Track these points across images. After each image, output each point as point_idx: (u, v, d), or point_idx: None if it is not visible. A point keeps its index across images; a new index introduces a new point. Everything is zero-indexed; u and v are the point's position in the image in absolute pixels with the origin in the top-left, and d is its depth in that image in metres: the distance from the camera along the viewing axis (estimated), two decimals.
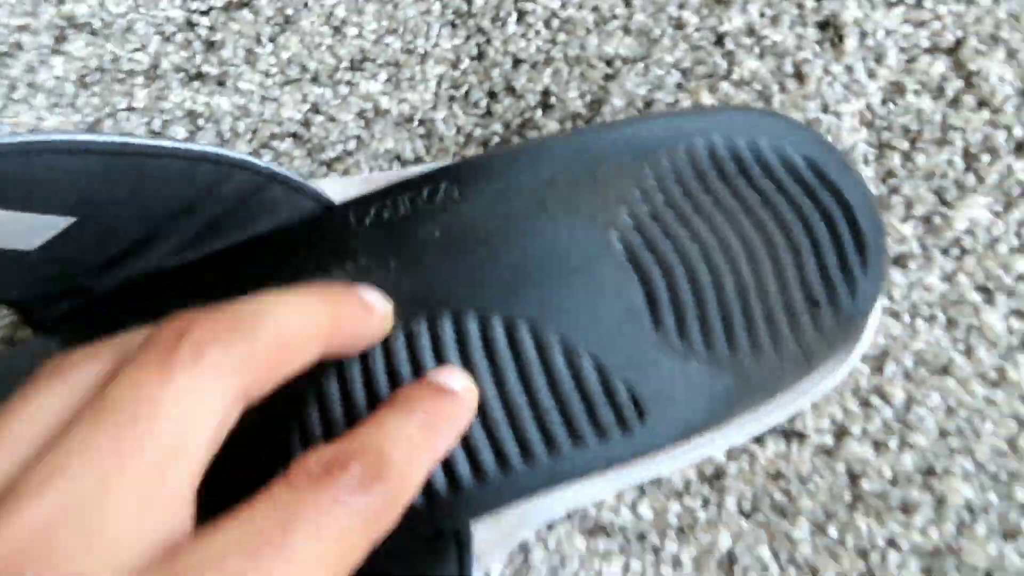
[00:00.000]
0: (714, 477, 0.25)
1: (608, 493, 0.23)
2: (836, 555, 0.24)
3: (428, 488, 0.20)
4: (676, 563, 0.24)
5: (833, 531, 0.24)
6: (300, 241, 0.23)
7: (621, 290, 0.22)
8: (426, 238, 0.22)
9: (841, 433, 0.25)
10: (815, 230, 0.22)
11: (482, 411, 0.21)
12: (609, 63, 0.27)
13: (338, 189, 0.24)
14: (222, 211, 0.22)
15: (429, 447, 0.18)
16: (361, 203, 0.23)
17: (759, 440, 0.25)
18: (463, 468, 0.21)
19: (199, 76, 0.27)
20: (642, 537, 0.25)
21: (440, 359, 0.21)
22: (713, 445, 0.22)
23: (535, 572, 0.25)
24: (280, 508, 0.14)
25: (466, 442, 0.21)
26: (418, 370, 0.21)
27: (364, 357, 0.21)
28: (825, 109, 0.26)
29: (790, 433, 0.25)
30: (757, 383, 0.21)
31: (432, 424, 0.19)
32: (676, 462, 0.22)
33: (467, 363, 0.21)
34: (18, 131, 0.26)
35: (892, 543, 0.24)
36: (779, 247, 0.22)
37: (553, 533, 0.25)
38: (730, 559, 0.24)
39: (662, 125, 0.23)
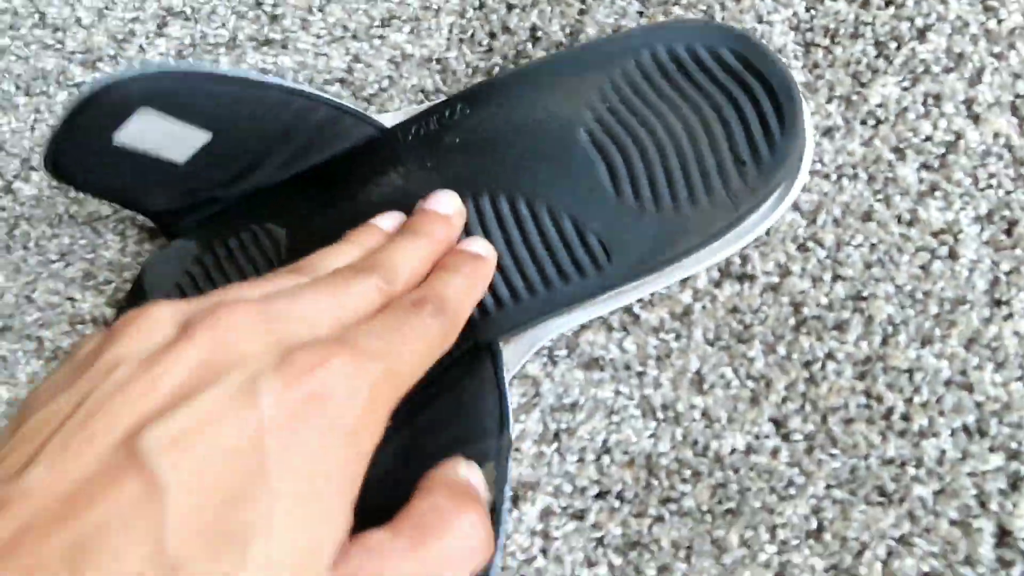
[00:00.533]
0: (682, 315, 0.30)
1: (592, 316, 0.30)
2: (785, 368, 0.30)
3: None
4: (656, 384, 0.30)
5: (781, 349, 0.30)
6: (365, 154, 0.31)
7: (588, 169, 0.29)
8: (450, 144, 0.30)
9: (784, 273, 0.30)
10: (741, 106, 0.28)
11: (498, 261, 0.28)
12: (582, 1, 0.33)
13: (390, 119, 0.32)
14: (308, 137, 0.30)
15: (470, 294, 0.26)
16: (404, 125, 0.31)
17: (717, 283, 0.30)
18: (488, 300, 0.28)
19: (267, 42, 0.35)
20: (628, 367, 0.30)
21: (466, 229, 0.29)
22: (669, 277, 0.29)
23: (544, 399, 0.31)
24: (399, 315, 0.23)
25: (489, 283, 0.28)
26: None
27: None
28: (759, 20, 0.32)
29: (742, 276, 0.30)
30: (695, 226, 0.28)
31: (471, 279, 0.27)
32: (640, 291, 0.29)
33: (484, 228, 0.28)
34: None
35: (830, 355, 0.29)
36: (711, 121, 0.28)
37: (557, 368, 0.31)
38: (700, 378, 0.30)
39: (615, 43, 0.30)
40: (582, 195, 0.28)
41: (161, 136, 0.29)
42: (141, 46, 0.36)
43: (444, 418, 0.27)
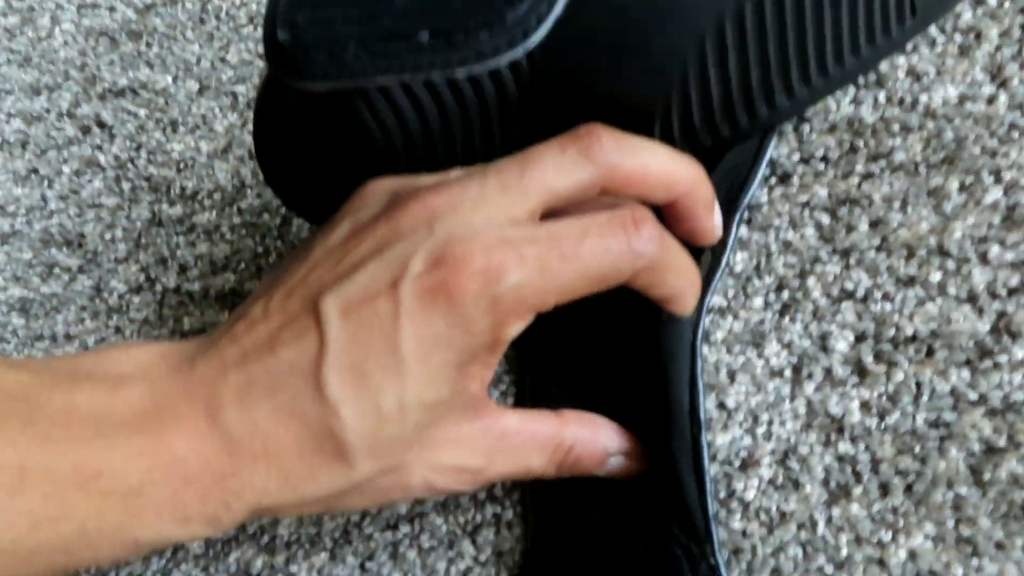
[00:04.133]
0: None
1: None
2: (997, 17, 0.28)
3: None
4: None
5: (991, 0, 0.29)
6: None
7: None
8: None
9: None
10: None
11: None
12: None
13: None
14: None
15: (684, 274, 0.24)
16: None
17: None
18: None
19: None
20: None
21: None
22: None
23: None
24: (591, 225, 0.22)
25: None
26: None
27: None
28: None
29: None
30: None
31: (689, 269, 0.24)
32: None
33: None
34: None
35: None
36: None
37: None
38: None
39: None
40: None
41: None
42: None
43: None
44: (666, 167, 0.24)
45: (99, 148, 0.37)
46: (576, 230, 0.22)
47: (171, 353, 0.23)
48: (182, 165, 0.36)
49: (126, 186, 0.37)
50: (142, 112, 0.37)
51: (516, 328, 0.22)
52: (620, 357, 0.27)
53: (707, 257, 0.27)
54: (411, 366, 0.21)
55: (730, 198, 0.27)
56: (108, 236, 0.36)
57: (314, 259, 0.24)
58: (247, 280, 0.34)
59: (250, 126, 0.36)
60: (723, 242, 0.27)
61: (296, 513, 0.24)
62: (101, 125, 0.38)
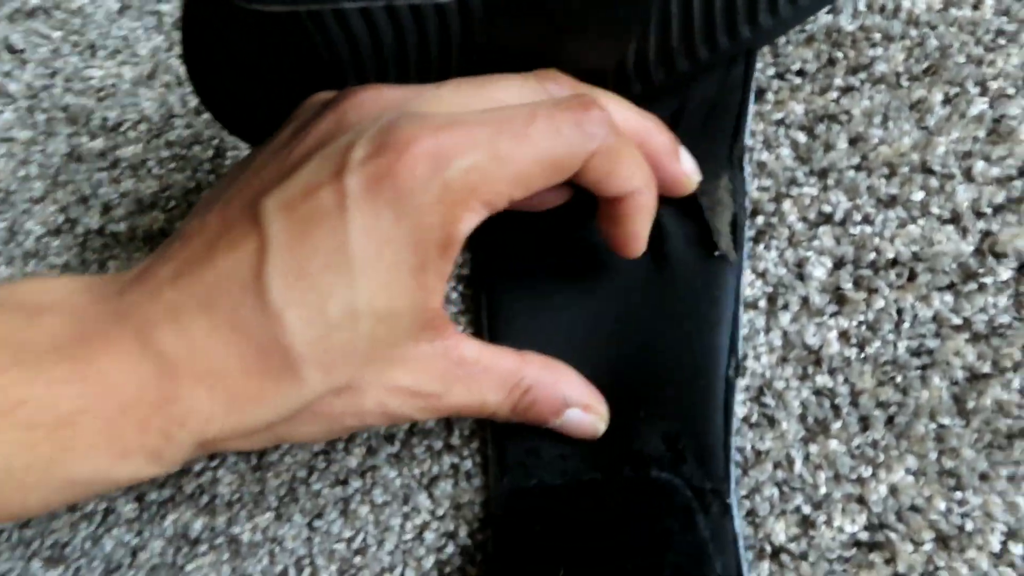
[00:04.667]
0: None
1: None
2: None
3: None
4: None
5: None
6: None
7: None
8: None
9: None
10: None
11: None
12: None
13: None
14: None
15: (634, 164, 0.22)
16: None
17: None
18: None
19: None
20: None
21: None
22: None
23: None
24: (540, 109, 0.21)
25: None
26: None
27: None
28: None
29: None
30: None
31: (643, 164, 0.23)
32: None
33: None
34: None
35: None
36: None
37: None
38: None
39: None
40: None
41: None
42: None
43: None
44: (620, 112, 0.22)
45: (9, 75, 0.34)
46: (525, 112, 0.20)
47: (95, 285, 0.21)
48: (102, 93, 0.33)
49: (40, 117, 0.33)
50: (56, 34, 0.34)
51: (468, 224, 0.20)
52: (620, 295, 0.25)
53: (707, 202, 0.25)
54: (360, 265, 0.19)
55: (732, 142, 0.25)
56: (22, 173, 0.33)
57: (255, 166, 0.22)
58: (177, 218, 0.31)
59: (177, 49, 0.33)
60: (741, 189, 0.25)
61: (245, 447, 0.21)
62: (11, 50, 0.34)
